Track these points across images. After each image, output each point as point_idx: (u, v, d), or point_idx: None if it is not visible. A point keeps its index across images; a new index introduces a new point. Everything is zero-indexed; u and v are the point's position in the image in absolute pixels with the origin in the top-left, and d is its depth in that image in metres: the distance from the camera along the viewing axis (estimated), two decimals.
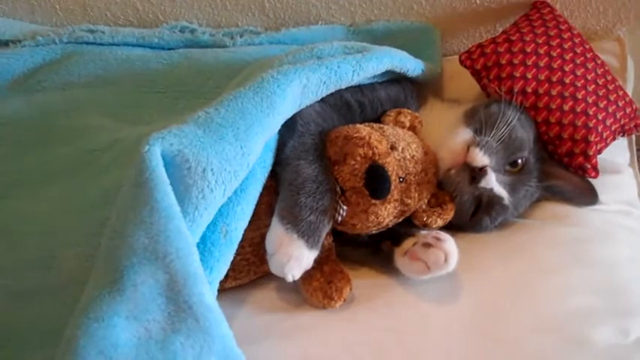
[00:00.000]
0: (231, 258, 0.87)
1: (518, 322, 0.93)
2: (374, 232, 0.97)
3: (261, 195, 0.91)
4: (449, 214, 1.00)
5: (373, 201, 0.93)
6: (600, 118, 1.13)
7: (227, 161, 0.82)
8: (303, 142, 0.95)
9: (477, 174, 1.00)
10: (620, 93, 1.19)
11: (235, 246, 0.87)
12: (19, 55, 1.35)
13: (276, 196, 0.93)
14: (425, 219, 0.99)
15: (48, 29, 1.42)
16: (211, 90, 1.17)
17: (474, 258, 1.00)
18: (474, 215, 1.04)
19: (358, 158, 0.93)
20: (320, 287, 0.93)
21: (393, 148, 0.96)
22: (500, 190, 1.02)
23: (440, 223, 0.99)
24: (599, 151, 1.14)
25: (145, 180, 0.75)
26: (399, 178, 0.95)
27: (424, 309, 0.94)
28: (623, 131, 1.18)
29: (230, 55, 1.31)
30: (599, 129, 1.12)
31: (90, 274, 0.78)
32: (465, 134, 1.04)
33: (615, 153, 1.24)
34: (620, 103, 1.17)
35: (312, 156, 0.94)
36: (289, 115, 0.94)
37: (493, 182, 1.00)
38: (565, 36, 1.19)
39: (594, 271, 1.00)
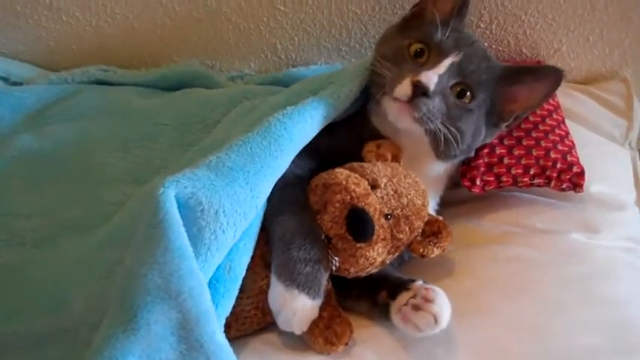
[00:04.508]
0: (236, 294, 0.87)
1: None
2: (373, 271, 0.96)
3: (254, 248, 0.92)
4: (445, 242, 0.98)
5: (359, 245, 0.91)
6: (515, 153, 1.17)
7: (238, 203, 0.84)
8: (282, 196, 0.95)
9: None
10: (555, 138, 1.19)
11: (239, 281, 0.88)
12: (32, 90, 1.39)
13: (267, 247, 0.94)
14: (421, 250, 0.97)
15: (62, 72, 1.46)
16: (216, 121, 1.19)
17: (479, 297, 1.01)
18: None
19: (337, 205, 0.92)
20: (320, 333, 0.91)
21: (374, 186, 0.95)
22: None
23: (437, 252, 0.98)
24: (506, 182, 1.16)
25: (159, 221, 0.77)
26: (386, 215, 0.94)
27: (432, 351, 0.94)
28: (548, 179, 1.16)
29: (232, 88, 1.34)
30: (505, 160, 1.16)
31: (100, 315, 0.79)
32: None
33: (621, 190, 1.25)
34: (551, 149, 1.17)
35: (294, 208, 0.94)
36: (296, 153, 0.96)
37: None
38: None
39: (599, 309, 0.99)
